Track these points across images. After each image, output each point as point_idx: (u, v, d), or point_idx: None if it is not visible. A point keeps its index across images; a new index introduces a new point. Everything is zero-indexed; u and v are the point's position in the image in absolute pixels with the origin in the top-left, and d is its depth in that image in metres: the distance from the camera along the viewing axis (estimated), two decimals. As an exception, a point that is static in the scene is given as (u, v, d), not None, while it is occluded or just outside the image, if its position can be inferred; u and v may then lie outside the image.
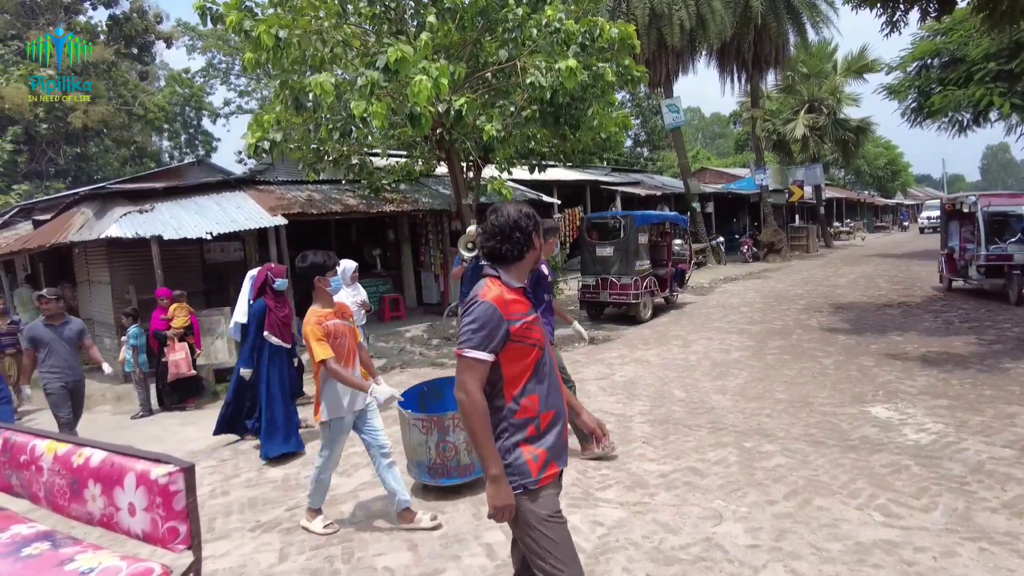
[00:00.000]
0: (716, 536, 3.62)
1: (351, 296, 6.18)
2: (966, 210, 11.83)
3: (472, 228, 7.46)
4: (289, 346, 5.79)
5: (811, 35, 23.31)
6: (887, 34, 10.79)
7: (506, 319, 2.15)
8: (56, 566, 2.23)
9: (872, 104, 65.54)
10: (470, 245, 7.35)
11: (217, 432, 6.01)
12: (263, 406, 5.58)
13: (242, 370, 5.83)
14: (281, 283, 5.75)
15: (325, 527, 4.07)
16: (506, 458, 2.18)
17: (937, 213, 27.53)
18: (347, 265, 6.07)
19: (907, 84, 17.61)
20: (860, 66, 26.64)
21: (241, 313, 6.12)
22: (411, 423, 4.40)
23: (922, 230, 36.61)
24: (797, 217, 30.48)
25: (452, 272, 7.70)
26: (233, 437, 6.15)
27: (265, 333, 5.61)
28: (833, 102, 26.78)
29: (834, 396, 6.15)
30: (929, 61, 17.06)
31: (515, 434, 2.20)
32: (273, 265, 6.07)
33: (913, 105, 17.66)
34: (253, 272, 6.21)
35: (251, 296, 5.98)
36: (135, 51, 27.34)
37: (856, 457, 4.60)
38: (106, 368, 6.31)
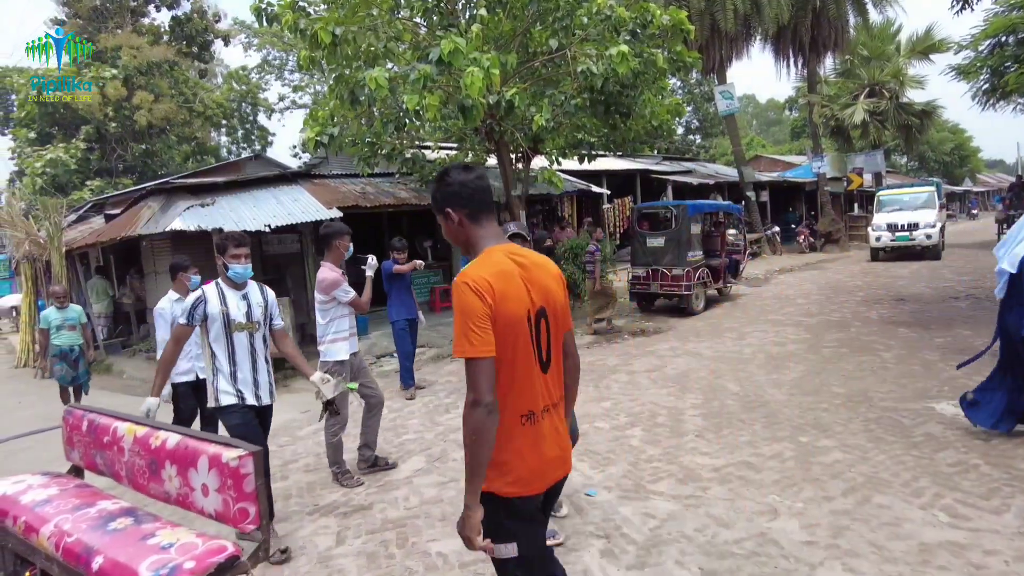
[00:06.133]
0: (771, 531, 3.57)
1: None
2: None
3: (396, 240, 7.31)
4: None
5: (873, 16, 22.28)
6: (958, 11, 10.26)
7: None
8: (139, 540, 2.38)
9: (939, 86, 62.09)
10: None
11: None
12: None
13: None
14: None
15: None
16: None
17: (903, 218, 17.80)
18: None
19: (979, 64, 16.64)
20: (926, 47, 25.29)
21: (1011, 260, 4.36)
22: None
23: (876, 254, 18.01)
24: (856, 206, 29.31)
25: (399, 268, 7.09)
26: None
27: None
28: (896, 85, 25.55)
29: (895, 391, 5.94)
30: (1003, 38, 16.06)
31: None
32: None
33: (985, 86, 16.71)
34: None
35: None
36: (195, 50, 28.35)
37: (919, 454, 4.45)
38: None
